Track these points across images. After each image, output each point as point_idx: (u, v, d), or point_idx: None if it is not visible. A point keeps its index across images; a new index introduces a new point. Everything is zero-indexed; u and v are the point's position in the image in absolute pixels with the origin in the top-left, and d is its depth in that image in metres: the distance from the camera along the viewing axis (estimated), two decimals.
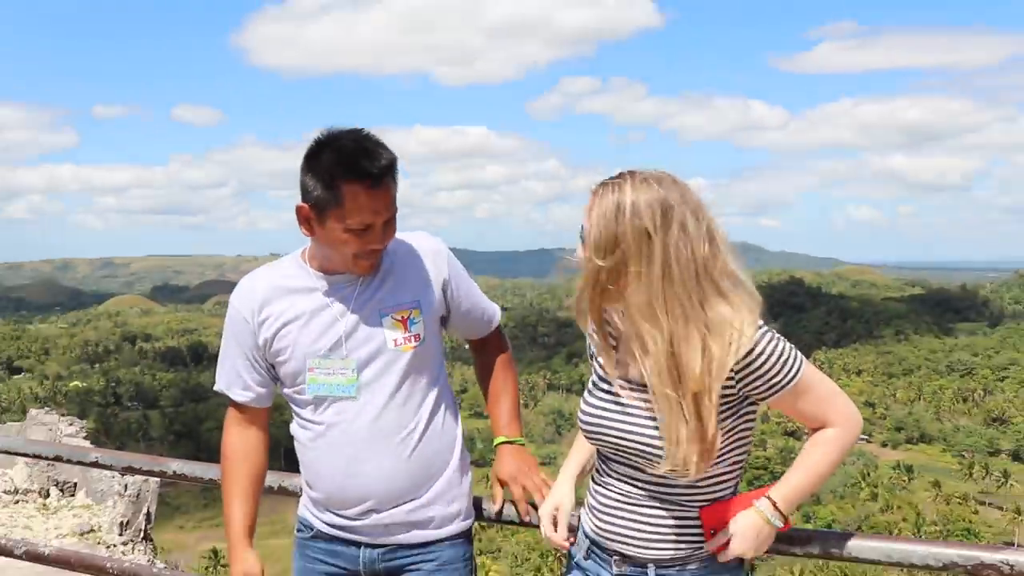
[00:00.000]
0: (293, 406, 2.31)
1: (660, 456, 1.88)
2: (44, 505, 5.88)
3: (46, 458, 3.41)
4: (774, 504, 1.92)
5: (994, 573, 2.00)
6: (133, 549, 4.98)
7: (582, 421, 2.05)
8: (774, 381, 1.85)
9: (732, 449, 1.94)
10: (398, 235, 2.24)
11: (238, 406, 2.35)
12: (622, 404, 1.96)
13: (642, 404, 1.92)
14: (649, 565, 1.98)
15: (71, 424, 8.81)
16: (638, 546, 1.98)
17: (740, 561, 1.99)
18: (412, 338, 2.22)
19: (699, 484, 1.94)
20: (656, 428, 1.89)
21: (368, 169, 2.03)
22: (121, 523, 5.09)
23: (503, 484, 2.39)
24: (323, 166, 2.06)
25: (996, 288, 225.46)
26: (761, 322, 1.85)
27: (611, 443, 1.98)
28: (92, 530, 5.23)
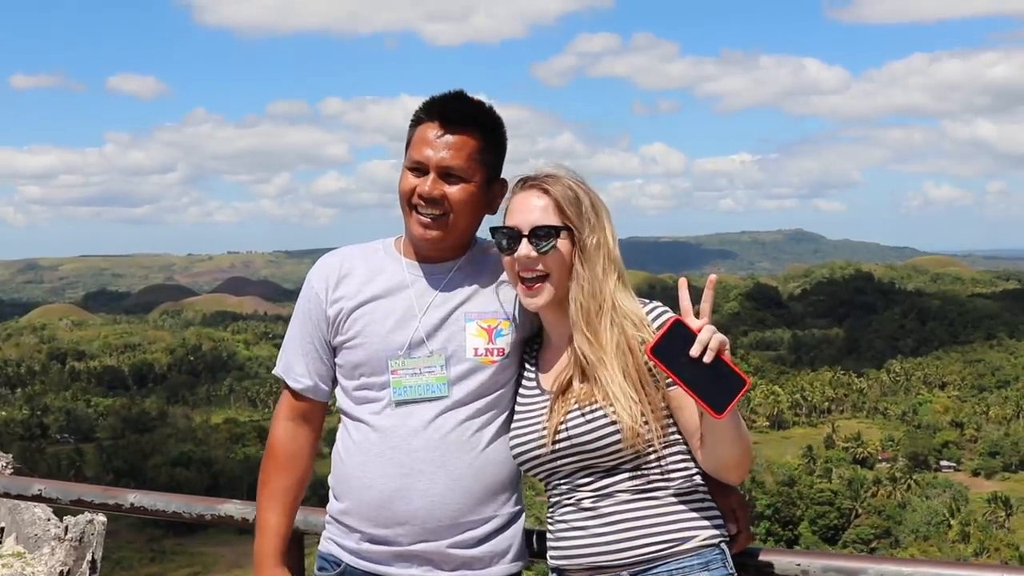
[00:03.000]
0: (346, 403, 2.43)
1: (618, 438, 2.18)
2: None
3: None
4: None
5: None
6: None
7: (533, 449, 2.28)
8: None
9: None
10: (494, 248, 2.40)
11: (294, 396, 2.48)
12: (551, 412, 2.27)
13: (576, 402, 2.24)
14: (623, 573, 2.18)
15: None
16: (610, 552, 2.18)
17: (720, 552, 2.20)
18: (495, 351, 2.35)
19: (667, 467, 2.21)
20: (596, 415, 2.20)
21: (441, 106, 2.32)
22: (61, 572, 5.26)
23: None
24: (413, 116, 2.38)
25: None
26: None
27: (572, 453, 2.22)
28: None
